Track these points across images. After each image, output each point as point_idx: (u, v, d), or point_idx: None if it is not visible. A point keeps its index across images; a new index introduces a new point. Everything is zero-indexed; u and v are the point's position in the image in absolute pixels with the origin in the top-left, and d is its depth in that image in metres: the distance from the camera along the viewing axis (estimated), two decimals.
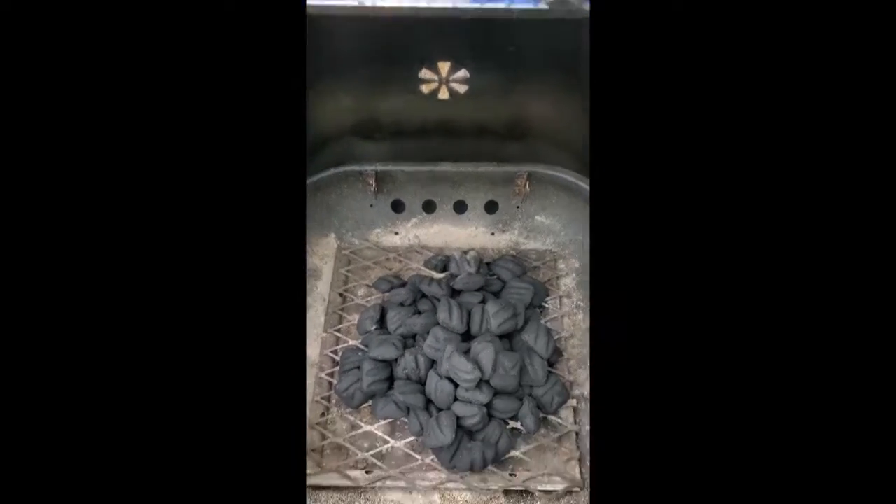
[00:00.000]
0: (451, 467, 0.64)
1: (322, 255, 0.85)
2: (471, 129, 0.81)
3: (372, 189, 0.83)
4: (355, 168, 0.81)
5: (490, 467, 0.65)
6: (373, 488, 0.64)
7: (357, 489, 0.64)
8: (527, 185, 0.82)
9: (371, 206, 0.86)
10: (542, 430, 0.68)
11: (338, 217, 0.86)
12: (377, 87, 0.75)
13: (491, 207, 0.86)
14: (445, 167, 0.81)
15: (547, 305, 0.79)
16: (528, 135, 0.81)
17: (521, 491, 0.65)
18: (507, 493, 0.65)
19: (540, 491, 0.64)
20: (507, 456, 0.66)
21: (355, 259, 0.85)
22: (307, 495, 0.63)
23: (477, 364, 0.64)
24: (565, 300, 0.80)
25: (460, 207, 0.86)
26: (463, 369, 0.63)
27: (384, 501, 0.64)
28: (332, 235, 0.86)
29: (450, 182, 0.84)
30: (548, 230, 0.87)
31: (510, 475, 0.65)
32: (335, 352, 0.75)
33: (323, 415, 0.70)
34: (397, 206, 0.86)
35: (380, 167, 0.81)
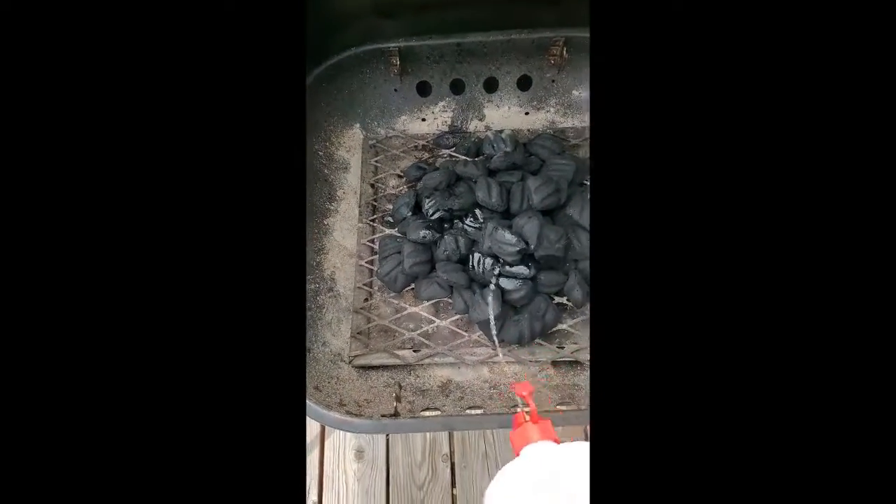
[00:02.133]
0: (498, 340, 0.64)
1: (349, 147, 0.81)
2: None
3: (396, 70, 0.77)
4: (378, 46, 0.75)
5: (538, 340, 0.65)
6: (421, 365, 0.65)
7: (406, 367, 0.65)
8: (564, 53, 0.76)
9: (395, 90, 0.80)
10: (588, 304, 0.67)
11: (362, 106, 0.81)
12: None
13: (524, 83, 0.80)
14: (474, 37, 0.74)
15: (589, 183, 0.76)
16: None
17: (570, 362, 0.65)
18: (555, 363, 0.65)
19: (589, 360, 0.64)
20: (554, 329, 0.65)
21: (383, 149, 0.81)
22: (357, 374, 0.64)
23: (521, 236, 0.62)
24: None
25: (491, 85, 0.80)
26: (507, 242, 0.61)
27: (434, 377, 0.65)
28: (357, 126, 0.82)
29: (478, 57, 0.77)
30: (586, 105, 0.81)
31: (558, 347, 0.65)
32: (372, 241, 0.73)
33: (366, 300, 0.70)
34: (423, 90, 0.81)
35: (403, 43, 0.75)
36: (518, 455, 0.38)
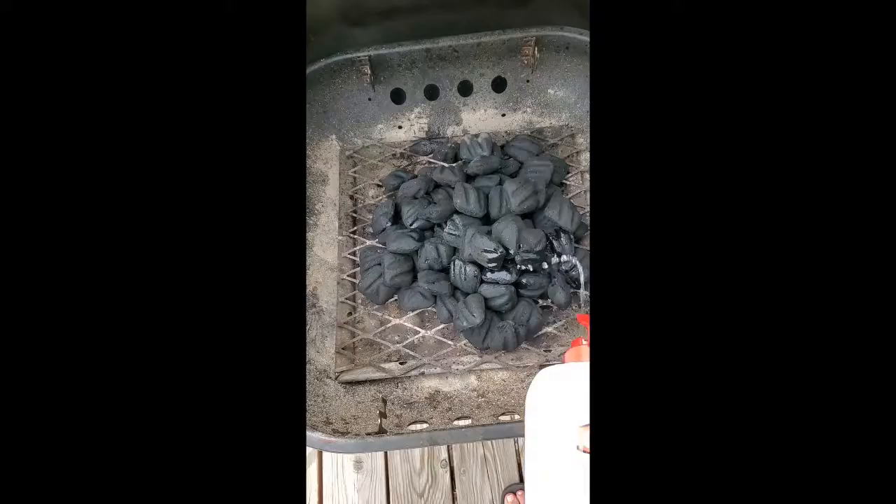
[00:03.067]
0: (483, 348, 0.64)
1: (325, 160, 0.80)
2: None
3: (368, 79, 0.77)
4: (348, 56, 0.74)
5: (524, 345, 0.64)
6: (409, 377, 0.65)
7: (394, 379, 0.65)
8: (536, 52, 0.75)
9: (370, 99, 0.80)
10: (573, 305, 0.66)
11: (336, 117, 0.80)
12: None
13: (499, 85, 0.79)
14: (444, 42, 0.73)
15: (568, 182, 0.75)
16: None
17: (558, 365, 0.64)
18: (543, 367, 0.65)
19: None
20: (539, 333, 0.65)
21: (360, 159, 0.80)
22: (344, 390, 0.64)
23: (500, 242, 0.62)
24: (587, 175, 0.75)
25: (465, 89, 0.80)
26: (486, 248, 0.61)
27: (421, 389, 0.64)
28: (333, 137, 0.81)
29: (451, 61, 0.77)
30: (562, 104, 0.80)
31: (545, 351, 0.65)
32: (353, 253, 0.73)
33: (350, 314, 0.69)
34: (397, 97, 0.80)
35: (373, 52, 0.74)
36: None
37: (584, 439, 0.32)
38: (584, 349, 0.41)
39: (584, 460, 0.32)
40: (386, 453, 1.04)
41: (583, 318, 0.44)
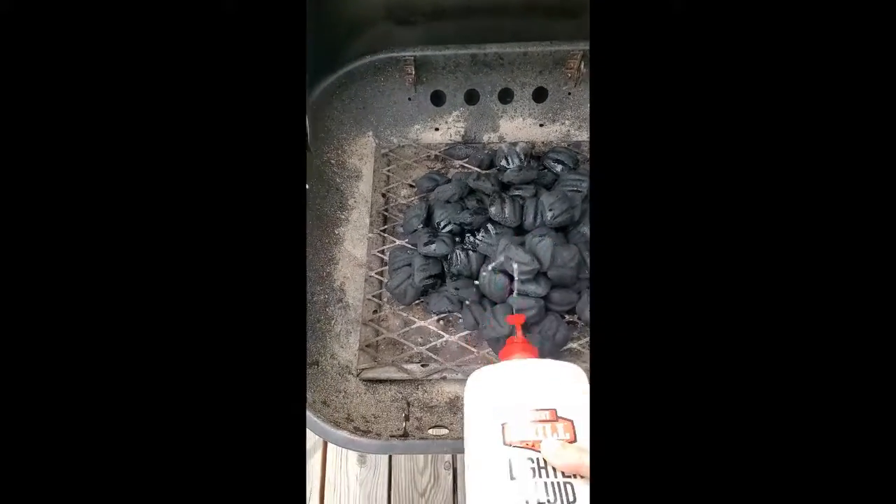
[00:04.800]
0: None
1: (361, 156, 0.81)
2: (517, 7, 0.72)
3: (411, 79, 0.77)
4: (393, 55, 0.74)
5: (547, 360, 0.64)
6: (429, 380, 0.65)
7: (414, 381, 0.65)
8: (581, 67, 0.75)
9: (409, 99, 0.80)
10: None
11: (375, 114, 0.80)
12: None
13: (539, 95, 0.79)
14: (491, 48, 0.73)
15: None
16: (583, 10, 0.72)
17: None
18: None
19: None
20: (564, 347, 0.65)
21: (395, 158, 0.80)
22: (363, 387, 0.64)
23: (534, 255, 0.62)
24: None
25: (505, 96, 0.80)
26: (521, 260, 0.61)
27: (442, 393, 0.65)
28: (370, 134, 0.81)
29: (495, 68, 0.76)
30: None
31: None
32: (382, 251, 0.73)
33: (375, 312, 0.70)
34: (437, 99, 0.80)
35: (419, 52, 0.74)
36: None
37: (507, 434, 0.35)
38: (516, 346, 0.43)
39: (509, 454, 0.34)
40: None
41: (511, 318, 0.47)
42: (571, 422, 0.34)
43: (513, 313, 0.62)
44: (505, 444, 0.34)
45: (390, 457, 1.04)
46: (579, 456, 0.32)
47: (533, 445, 0.34)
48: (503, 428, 0.35)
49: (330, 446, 1.05)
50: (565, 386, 0.37)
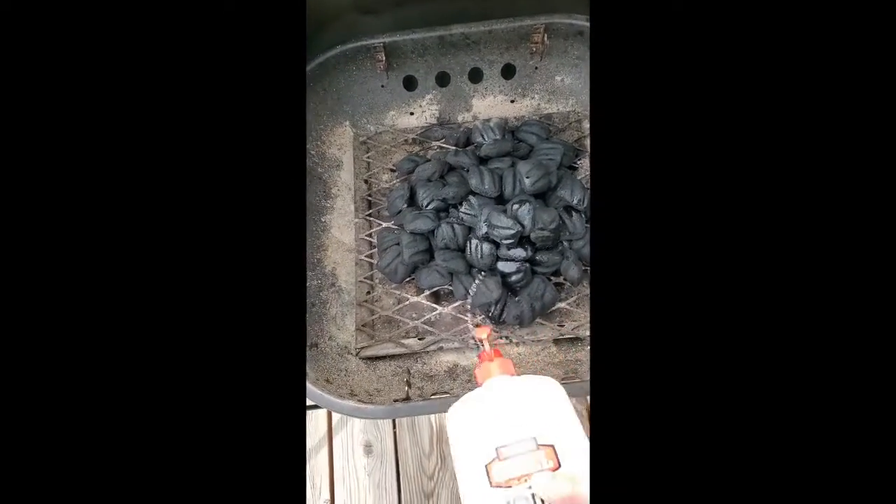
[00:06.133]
0: (499, 323, 0.66)
1: (340, 145, 0.82)
2: None
3: (382, 66, 0.79)
4: (363, 43, 0.76)
5: (538, 320, 0.67)
6: (427, 352, 0.67)
7: (413, 354, 0.67)
8: (545, 39, 0.77)
9: (382, 86, 0.82)
10: (585, 282, 0.69)
11: (350, 103, 0.82)
12: None
13: (508, 72, 0.82)
14: (457, 29, 0.75)
15: (577, 165, 0.77)
16: None
17: (570, 339, 0.67)
18: (557, 342, 0.67)
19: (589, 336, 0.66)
20: (553, 308, 0.67)
21: (374, 145, 0.82)
22: (364, 365, 0.65)
23: (516, 220, 0.64)
24: None
25: (475, 76, 0.82)
26: (503, 225, 0.63)
27: (440, 363, 0.66)
28: (347, 124, 0.83)
29: (462, 49, 0.79)
30: (569, 91, 0.83)
31: (559, 325, 0.67)
32: (370, 235, 0.75)
33: (368, 293, 0.71)
34: (409, 84, 0.82)
35: (388, 39, 0.76)
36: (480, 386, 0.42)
37: (494, 476, 0.34)
38: (491, 365, 0.43)
39: (497, 497, 0.33)
40: (395, 437, 1.06)
41: (478, 330, 0.46)
42: (552, 447, 0.34)
43: (502, 280, 0.64)
44: (493, 485, 0.34)
45: (396, 444, 1.05)
46: (569, 486, 0.32)
47: (520, 479, 0.33)
48: (488, 471, 0.34)
49: (335, 440, 1.06)
50: (543, 409, 0.37)
